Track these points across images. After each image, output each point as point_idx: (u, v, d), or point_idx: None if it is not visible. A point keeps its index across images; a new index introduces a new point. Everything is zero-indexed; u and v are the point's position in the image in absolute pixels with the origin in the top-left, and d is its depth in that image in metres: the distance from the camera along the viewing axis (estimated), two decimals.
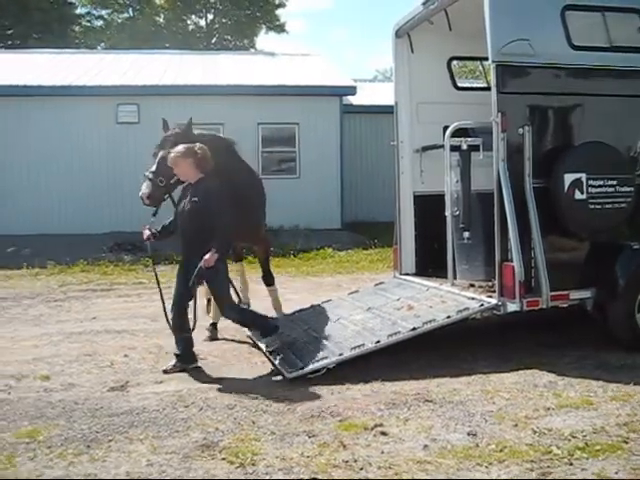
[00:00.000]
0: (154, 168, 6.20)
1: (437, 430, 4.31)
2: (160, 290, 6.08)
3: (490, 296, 6.14)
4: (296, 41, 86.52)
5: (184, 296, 5.77)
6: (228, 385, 5.39)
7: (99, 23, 41.90)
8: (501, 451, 3.94)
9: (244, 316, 6.21)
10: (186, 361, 5.82)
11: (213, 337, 6.94)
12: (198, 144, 5.88)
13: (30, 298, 9.94)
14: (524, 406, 4.71)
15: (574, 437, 4.12)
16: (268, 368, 5.86)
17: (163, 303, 5.99)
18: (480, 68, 11.40)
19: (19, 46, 32.15)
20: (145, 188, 6.16)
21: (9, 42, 36.42)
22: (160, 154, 6.22)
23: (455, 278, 6.89)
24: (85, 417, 4.66)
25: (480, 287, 6.58)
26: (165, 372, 5.72)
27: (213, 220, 5.58)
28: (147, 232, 6.02)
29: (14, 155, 16.05)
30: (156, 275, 6.34)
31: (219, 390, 5.25)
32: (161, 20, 41.03)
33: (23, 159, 16.04)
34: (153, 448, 4.11)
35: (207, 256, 5.48)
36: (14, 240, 14.80)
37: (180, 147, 5.80)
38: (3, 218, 15.60)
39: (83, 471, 3.79)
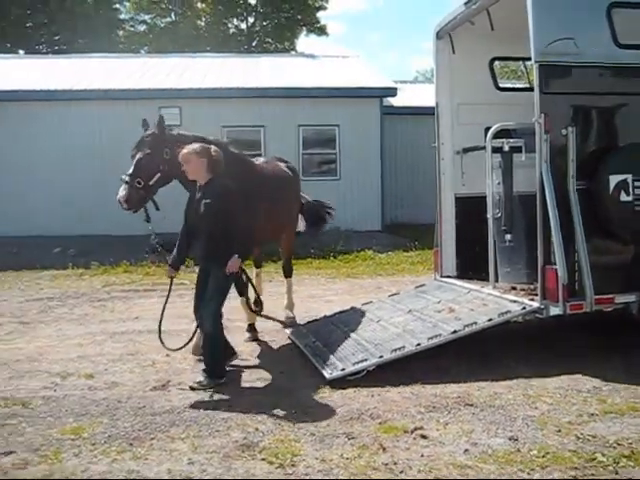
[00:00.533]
0: (131, 170, 6.05)
1: (478, 434, 4.26)
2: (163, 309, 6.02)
3: (532, 299, 6.06)
4: (336, 43, 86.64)
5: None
6: (268, 386, 5.43)
7: (142, 28, 42.64)
8: (543, 457, 3.89)
9: (214, 340, 5.49)
10: (214, 376, 5.42)
11: (253, 338, 6.98)
12: (213, 146, 5.81)
13: (75, 298, 10.14)
14: (567, 411, 4.64)
15: (619, 444, 4.04)
16: (308, 369, 5.86)
17: (160, 321, 5.96)
18: (522, 68, 11.26)
19: (65, 51, 32.87)
20: (122, 191, 5.99)
21: (56, 47, 37.32)
22: (137, 156, 6.11)
23: (497, 281, 6.82)
24: (128, 415, 4.74)
25: (522, 290, 6.50)
26: (192, 389, 5.34)
27: (229, 222, 5.45)
28: (171, 271, 5.87)
29: (59, 157, 16.41)
30: (168, 294, 6.06)
31: (259, 391, 5.29)
32: (202, 24, 41.53)
33: (69, 160, 16.38)
34: (194, 447, 4.15)
35: (230, 262, 5.38)
36: (60, 241, 15.13)
37: (196, 145, 5.69)
38: (51, 219, 15.98)
39: (126, 468, 3.86)
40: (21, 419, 4.69)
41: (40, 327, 8.02)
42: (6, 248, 14.75)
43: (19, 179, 16.38)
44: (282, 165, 7.85)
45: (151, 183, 6.07)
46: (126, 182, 5.99)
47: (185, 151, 5.64)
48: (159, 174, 6.08)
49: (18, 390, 5.40)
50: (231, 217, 5.46)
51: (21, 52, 34.52)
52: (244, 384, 5.49)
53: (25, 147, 16.48)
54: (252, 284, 6.63)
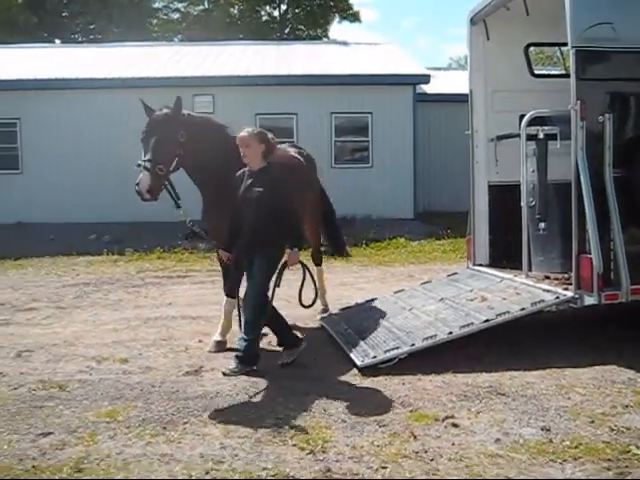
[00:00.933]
0: (150, 156, 5.45)
1: (509, 424, 4.24)
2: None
3: (566, 289, 5.98)
4: (369, 30, 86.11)
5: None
6: (300, 373, 5.45)
7: (176, 16, 42.86)
8: (576, 448, 3.85)
9: (252, 326, 5.42)
10: (247, 363, 5.40)
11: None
12: (270, 134, 5.64)
13: (110, 284, 10.31)
14: (601, 402, 4.58)
15: None
16: (340, 357, 5.88)
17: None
18: (558, 54, 11.07)
19: (100, 40, 33.23)
20: (144, 181, 5.42)
21: (91, 36, 37.76)
22: (153, 138, 5.51)
23: (530, 270, 6.75)
24: (161, 400, 4.81)
25: (556, 279, 6.42)
26: (224, 374, 5.35)
27: (281, 211, 5.32)
28: (226, 255, 5.71)
29: (94, 144, 16.63)
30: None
31: (291, 378, 5.31)
32: (235, 12, 41.57)
33: (103, 148, 16.59)
34: (226, 432, 4.20)
35: (291, 256, 5.41)
36: (95, 228, 15.37)
37: (255, 129, 5.49)
38: (87, 206, 16.23)
39: (159, 451, 3.92)
40: (58, 402, 4.80)
41: (76, 312, 8.17)
42: (44, 234, 15.04)
43: (56, 167, 16.67)
44: (292, 151, 7.39)
45: (171, 169, 5.60)
46: (147, 169, 5.44)
47: (245, 134, 5.40)
48: (177, 159, 5.62)
49: (55, 373, 5.52)
50: (284, 206, 5.34)
51: (57, 41, 34.99)
52: (276, 370, 5.51)
53: (61, 135, 16.74)
54: (312, 278, 6.17)
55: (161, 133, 5.56)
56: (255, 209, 5.37)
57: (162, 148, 5.53)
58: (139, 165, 5.52)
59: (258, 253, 5.42)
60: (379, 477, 3.57)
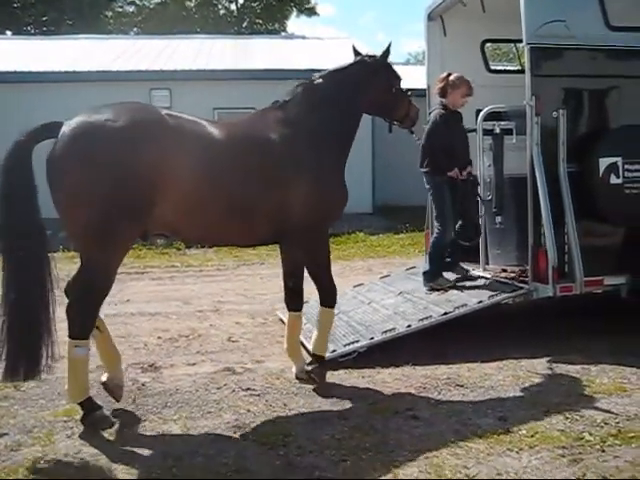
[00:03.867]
0: None
1: (468, 415, 4.31)
2: None
3: (522, 281, 6.10)
4: (327, 25, 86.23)
5: None
6: (260, 368, 5.44)
7: (131, 9, 42.20)
8: (532, 436, 3.93)
9: (437, 243, 6.74)
10: (431, 278, 6.66)
11: None
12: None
13: (66, 281, 10.09)
14: (556, 392, 4.68)
15: (606, 424, 4.09)
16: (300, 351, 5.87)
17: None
18: (514, 50, 11.23)
19: (53, 32, 32.52)
20: None
21: (44, 28, 36.91)
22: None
23: (487, 263, 6.86)
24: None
25: (512, 272, 6.55)
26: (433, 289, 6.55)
27: None
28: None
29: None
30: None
31: (251, 373, 5.30)
32: (192, 4, 41.10)
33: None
34: (186, 428, 4.18)
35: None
36: (50, 223, 15.05)
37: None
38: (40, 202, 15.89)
39: (118, 449, 3.87)
40: (13, 402, 4.70)
41: None
42: None
43: None
44: None
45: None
46: None
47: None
48: None
49: None
50: None
51: (8, 33, 34.13)
52: (235, 366, 5.49)
53: (7, 128, 16.27)
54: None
55: None
56: None
57: None
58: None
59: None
60: (340, 470, 3.59)
